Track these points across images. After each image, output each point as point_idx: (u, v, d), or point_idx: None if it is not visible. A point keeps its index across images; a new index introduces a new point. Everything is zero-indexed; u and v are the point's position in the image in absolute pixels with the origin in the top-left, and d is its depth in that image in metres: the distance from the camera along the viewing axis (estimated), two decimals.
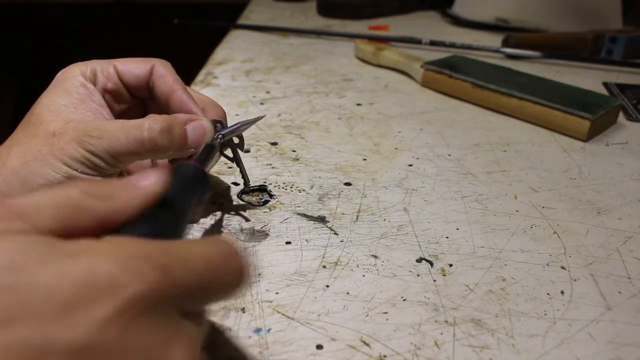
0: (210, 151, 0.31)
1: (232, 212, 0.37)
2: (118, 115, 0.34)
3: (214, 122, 0.34)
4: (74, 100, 0.31)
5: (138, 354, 0.16)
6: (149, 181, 0.21)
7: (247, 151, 0.46)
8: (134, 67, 0.33)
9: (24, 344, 0.15)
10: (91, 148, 0.29)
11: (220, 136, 0.33)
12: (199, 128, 0.31)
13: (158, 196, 0.22)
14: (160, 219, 0.22)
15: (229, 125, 0.35)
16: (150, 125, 0.30)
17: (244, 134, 0.35)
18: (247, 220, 0.36)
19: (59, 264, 0.16)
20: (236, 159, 0.36)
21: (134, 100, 0.35)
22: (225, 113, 0.36)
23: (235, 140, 0.35)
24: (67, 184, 0.20)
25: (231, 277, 0.20)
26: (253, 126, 0.51)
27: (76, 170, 0.29)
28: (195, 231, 0.35)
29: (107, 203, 0.20)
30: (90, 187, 0.20)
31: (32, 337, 0.15)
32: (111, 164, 0.30)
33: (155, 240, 0.18)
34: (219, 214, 0.37)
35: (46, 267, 0.16)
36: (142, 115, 0.35)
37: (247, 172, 0.37)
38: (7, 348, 0.14)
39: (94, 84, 0.33)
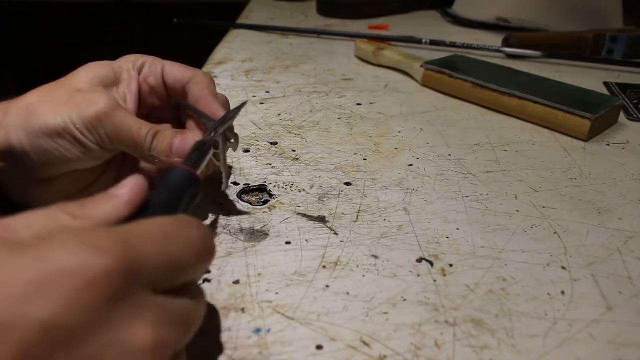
0: (202, 150, 0.30)
1: (232, 212, 0.37)
2: (149, 109, 0.37)
3: (208, 124, 0.33)
4: (111, 78, 0.34)
5: (100, 331, 0.17)
6: (126, 188, 0.22)
7: (247, 150, 0.46)
8: (177, 71, 0.36)
9: None
10: (105, 120, 0.31)
11: (213, 133, 0.32)
12: (186, 144, 0.32)
13: (136, 204, 0.22)
14: None
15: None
16: (146, 137, 0.32)
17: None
18: (247, 220, 0.36)
19: (21, 254, 0.17)
20: (222, 157, 0.34)
21: (168, 101, 0.37)
22: (228, 100, 0.37)
23: (231, 139, 0.35)
24: (50, 208, 0.20)
25: (192, 245, 0.21)
26: (253, 126, 0.51)
27: (76, 127, 0.30)
28: None
29: (88, 214, 0.21)
30: (67, 206, 0.21)
31: (1, 313, 0.16)
32: (101, 142, 0.31)
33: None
34: (219, 214, 0.37)
35: (11, 257, 0.17)
36: (172, 117, 0.38)
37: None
38: None
39: (139, 73, 0.36)
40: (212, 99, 0.34)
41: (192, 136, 0.32)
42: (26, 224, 0.19)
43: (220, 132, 0.33)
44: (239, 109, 0.35)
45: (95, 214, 0.21)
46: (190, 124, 0.35)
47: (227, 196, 0.39)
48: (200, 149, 0.30)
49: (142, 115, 0.35)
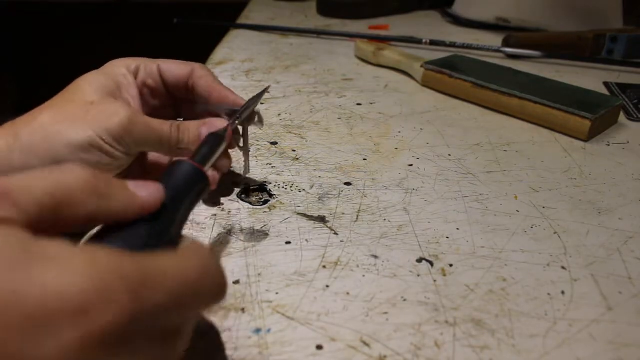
0: (213, 144, 0.30)
1: (232, 212, 0.37)
2: (151, 110, 0.37)
3: (228, 111, 0.35)
4: (113, 86, 0.34)
5: None
6: (147, 192, 0.22)
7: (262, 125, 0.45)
8: (175, 68, 0.36)
9: None
10: (130, 128, 0.31)
11: (232, 121, 0.33)
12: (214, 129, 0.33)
13: (152, 209, 0.22)
14: (149, 227, 0.22)
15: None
16: (170, 130, 0.33)
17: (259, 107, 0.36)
18: (247, 219, 0.36)
19: (30, 271, 0.15)
20: (245, 143, 0.36)
21: (169, 100, 0.37)
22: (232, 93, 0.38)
23: (255, 119, 0.35)
24: (73, 168, 0.20)
25: (208, 293, 0.20)
26: (252, 126, 0.51)
27: (102, 139, 0.30)
28: (195, 231, 0.35)
29: (102, 202, 0.20)
30: (93, 179, 0.20)
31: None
32: (129, 150, 0.32)
33: (131, 254, 0.18)
34: (219, 213, 0.37)
35: (15, 272, 0.15)
36: (173, 115, 0.39)
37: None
38: None
39: (135, 77, 0.35)
40: (225, 89, 0.35)
41: (218, 123, 0.33)
42: (33, 187, 0.18)
43: (243, 118, 0.33)
44: (261, 94, 0.35)
45: (114, 200, 0.20)
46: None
47: (227, 196, 0.39)
48: (209, 143, 0.30)
49: None
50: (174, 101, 0.38)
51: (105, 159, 0.31)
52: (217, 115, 0.35)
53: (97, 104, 0.32)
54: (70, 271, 0.16)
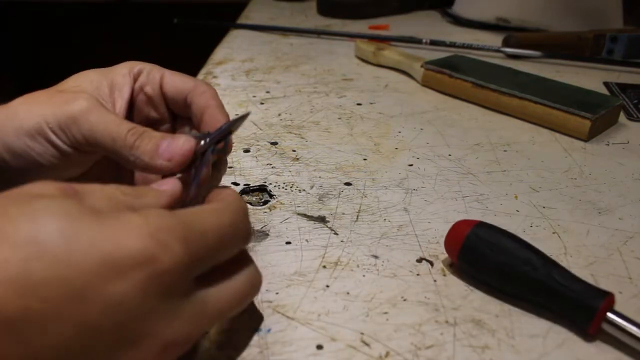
0: (197, 166, 0.28)
1: None
2: (145, 120, 0.34)
3: (202, 136, 0.29)
4: (102, 82, 0.32)
5: (149, 319, 0.20)
6: (168, 185, 0.25)
7: (247, 151, 0.46)
8: (177, 80, 0.33)
9: (68, 284, 0.18)
10: (80, 119, 0.28)
11: (205, 145, 0.28)
12: (172, 145, 0.29)
13: (175, 199, 0.25)
14: None
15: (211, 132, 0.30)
16: (128, 134, 0.29)
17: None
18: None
19: (102, 228, 0.19)
20: (197, 173, 0.28)
21: (168, 114, 0.34)
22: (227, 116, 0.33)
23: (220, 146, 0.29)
24: (101, 185, 0.23)
25: (237, 244, 0.24)
26: (253, 126, 0.51)
27: (49, 127, 0.28)
28: None
29: (141, 200, 0.23)
30: (123, 187, 0.23)
31: (75, 283, 0.18)
32: (76, 144, 0.29)
33: (176, 212, 0.22)
34: None
35: (90, 229, 0.19)
36: (168, 132, 0.34)
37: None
38: (46, 281, 0.18)
39: (135, 80, 0.33)
40: (219, 110, 0.31)
41: (184, 140, 0.28)
42: (93, 195, 0.22)
43: (211, 142, 0.28)
44: (240, 120, 0.29)
45: (143, 199, 0.23)
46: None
47: None
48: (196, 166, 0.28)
49: None
50: (173, 117, 0.35)
51: (49, 150, 0.29)
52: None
53: (64, 92, 0.30)
54: (130, 225, 0.20)
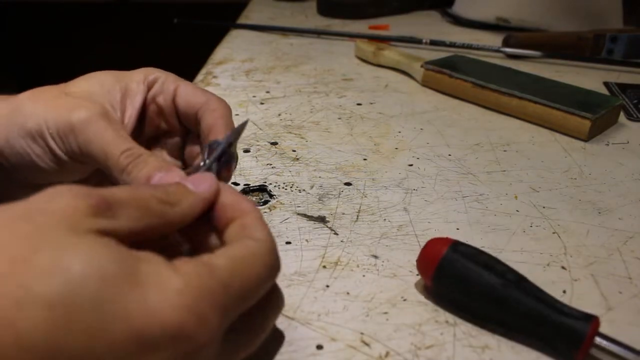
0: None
1: None
2: (155, 131, 0.33)
3: (209, 146, 0.28)
4: (114, 87, 0.30)
5: None
6: (205, 187, 0.23)
7: (247, 151, 0.46)
8: (192, 93, 0.32)
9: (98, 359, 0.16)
10: (78, 128, 0.27)
11: (204, 166, 0.27)
12: (168, 180, 0.27)
13: (210, 203, 0.23)
14: None
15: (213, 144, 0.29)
16: (122, 155, 0.27)
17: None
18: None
19: (134, 290, 0.17)
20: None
21: (180, 127, 0.33)
22: (230, 111, 0.32)
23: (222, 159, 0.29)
24: (136, 186, 0.22)
25: (270, 284, 0.22)
26: (253, 126, 0.51)
27: (49, 133, 0.27)
28: None
29: (176, 209, 0.22)
30: (159, 192, 0.22)
31: (105, 358, 0.16)
32: (71, 154, 0.28)
33: (211, 266, 0.20)
34: None
35: (120, 290, 0.17)
36: (181, 146, 0.34)
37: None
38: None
39: (149, 89, 0.32)
40: (224, 130, 0.30)
41: (177, 176, 0.26)
42: (126, 208, 0.20)
43: (211, 162, 0.27)
44: (240, 129, 0.29)
45: (180, 205, 0.22)
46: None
47: None
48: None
49: (147, 137, 0.33)
50: (186, 131, 0.33)
51: (46, 155, 0.28)
52: None
53: (69, 96, 0.29)
54: (168, 293, 0.18)
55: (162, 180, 0.26)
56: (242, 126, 0.29)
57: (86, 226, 0.18)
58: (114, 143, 0.27)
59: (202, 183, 0.24)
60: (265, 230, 0.23)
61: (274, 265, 0.22)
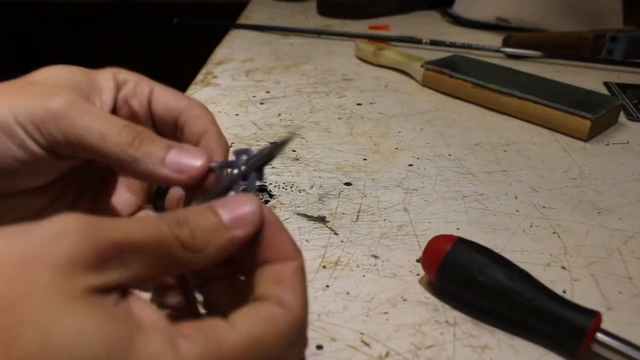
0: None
1: None
2: None
3: (233, 156, 0.25)
4: (80, 80, 0.26)
5: None
6: (244, 222, 0.19)
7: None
8: (169, 98, 0.28)
9: None
10: (61, 115, 0.24)
11: (241, 167, 0.24)
12: (184, 157, 0.24)
13: (247, 242, 0.19)
14: None
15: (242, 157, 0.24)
16: (123, 129, 0.24)
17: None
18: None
19: None
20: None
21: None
22: (227, 147, 0.29)
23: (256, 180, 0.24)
24: (156, 218, 0.18)
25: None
26: (253, 126, 0.51)
27: (17, 121, 0.24)
28: None
29: (197, 255, 0.18)
30: (185, 232, 0.18)
31: None
32: (51, 144, 0.24)
33: (227, 350, 0.17)
34: None
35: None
36: None
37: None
38: None
39: (117, 89, 0.28)
40: (218, 138, 0.27)
41: (195, 152, 0.24)
42: (134, 246, 0.17)
43: (246, 170, 0.23)
44: (283, 144, 0.23)
45: (206, 250, 0.19)
46: None
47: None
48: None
49: None
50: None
51: (12, 150, 0.24)
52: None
53: (37, 84, 0.25)
54: None
55: (177, 159, 0.24)
56: (287, 141, 0.23)
57: (83, 285, 0.16)
58: (109, 120, 0.24)
59: (242, 216, 0.19)
60: (302, 296, 0.19)
61: (301, 344, 0.19)
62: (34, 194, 0.26)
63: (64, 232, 0.16)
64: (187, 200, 0.24)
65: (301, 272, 0.20)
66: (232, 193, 0.22)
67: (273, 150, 0.23)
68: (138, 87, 0.28)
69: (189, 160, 0.24)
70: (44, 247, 0.16)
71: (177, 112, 0.28)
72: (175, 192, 0.24)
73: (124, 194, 0.30)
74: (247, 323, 0.18)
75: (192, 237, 0.18)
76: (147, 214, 0.30)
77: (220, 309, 0.21)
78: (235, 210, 0.19)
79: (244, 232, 0.19)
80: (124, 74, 0.28)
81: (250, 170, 0.23)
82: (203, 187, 0.25)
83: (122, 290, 0.17)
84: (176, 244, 0.18)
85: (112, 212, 0.30)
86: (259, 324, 0.18)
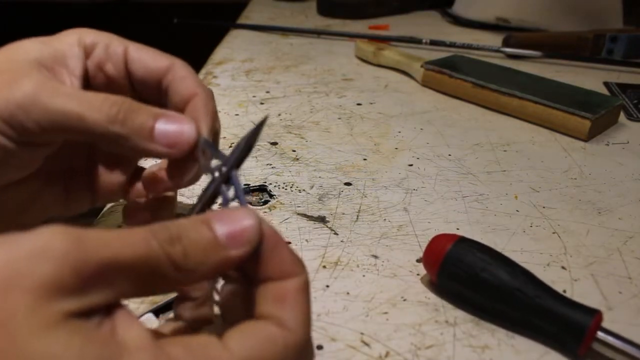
0: (209, 197, 0.22)
1: None
2: None
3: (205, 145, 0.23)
4: (44, 53, 0.24)
5: None
6: (242, 240, 0.18)
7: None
8: (148, 58, 0.25)
9: None
10: (31, 101, 0.22)
11: (221, 168, 0.22)
12: (173, 130, 0.23)
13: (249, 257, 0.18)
14: None
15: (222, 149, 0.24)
16: (103, 105, 0.22)
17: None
18: None
19: None
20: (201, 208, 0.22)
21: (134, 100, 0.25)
22: (216, 111, 0.27)
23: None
24: (148, 233, 0.17)
25: None
26: (253, 126, 0.51)
27: None
28: None
29: (187, 275, 0.17)
30: (177, 250, 0.17)
31: None
32: (25, 136, 0.22)
33: (220, 356, 0.16)
34: None
35: None
36: None
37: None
38: None
39: (87, 55, 0.25)
40: (208, 101, 0.25)
41: (182, 119, 0.22)
42: (123, 264, 0.16)
43: (232, 164, 0.22)
44: (259, 128, 0.22)
45: (198, 270, 0.17)
46: None
47: None
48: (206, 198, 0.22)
49: None
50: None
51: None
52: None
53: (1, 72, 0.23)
54: None
55: (166, 130, 0.22)
56: (261, 125, 0.22)
57: (64, 310, 0.15)
58: (83, 97, 0.22)
59: (239, 233, 0.18)
60: (303, 315, 0.18)
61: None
62: (20, 186, 0.25)
63: (46, 251, 0.15)
64: (171, 173, 0.23)
65: (304, 290, 0.18)
66: (219, 197, 0.22)
67: (250, 141, 0.22)
68: (110, 48, 0.25)
69: (179, 132, 0.22)
70: (24, 268, 0.14)
71: (158, 73, 0.25)
72: (152, 173, 0.23)
73: (117, 161, 0.28)
74: (242, 343, 0.16)
75: (185, 256, 0.17)
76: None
77: (237, 317, 0.19)
78: (232, 225, 0.18)
79: (240, 252, 0.18)
80: (90, 35, 0.25)
81: (232, 169, 0.21)
82: (191, 159, 0.23)
83: (107, 307, 0.16)
84: (167, 263, 0.17)
85: (109, 185, 0.28)
86: (255, 345, 0.16)
